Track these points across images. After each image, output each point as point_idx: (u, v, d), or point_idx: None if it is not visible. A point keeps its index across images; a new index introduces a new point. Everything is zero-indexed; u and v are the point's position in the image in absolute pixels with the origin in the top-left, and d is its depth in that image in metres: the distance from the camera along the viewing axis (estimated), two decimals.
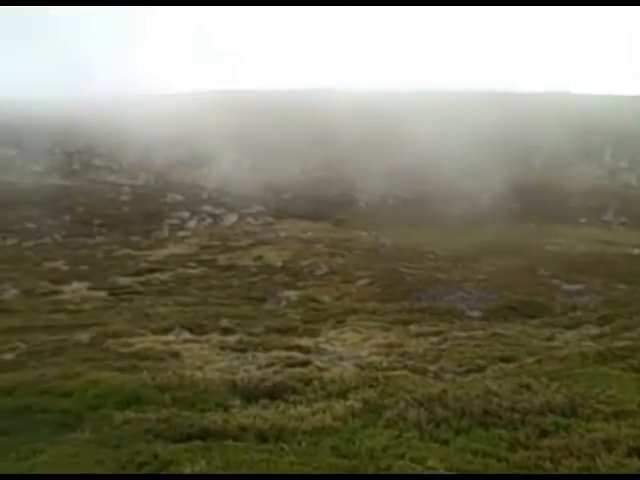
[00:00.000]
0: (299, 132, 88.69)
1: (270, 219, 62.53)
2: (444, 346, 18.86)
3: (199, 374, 14.07)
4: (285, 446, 8.85)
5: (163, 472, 7.72)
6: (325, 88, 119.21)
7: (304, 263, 41.31)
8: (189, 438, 9.29)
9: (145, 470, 7.79)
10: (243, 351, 18.58)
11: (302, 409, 10.85)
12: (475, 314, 26.81)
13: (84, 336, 20.60)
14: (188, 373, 13.97)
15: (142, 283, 37.30)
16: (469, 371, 15.13)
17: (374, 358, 17.27)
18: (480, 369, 15.19)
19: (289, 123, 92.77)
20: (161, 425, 9.57)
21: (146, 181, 79.37)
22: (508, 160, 78.90)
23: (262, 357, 17.20)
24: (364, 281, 35.36)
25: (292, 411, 10.75)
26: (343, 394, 12.03)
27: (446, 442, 9.06)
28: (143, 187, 75.15)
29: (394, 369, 15.14)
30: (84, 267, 42.41)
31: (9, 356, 17.22)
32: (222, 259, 44.33)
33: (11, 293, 35.88)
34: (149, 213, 60.11)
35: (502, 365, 15.37)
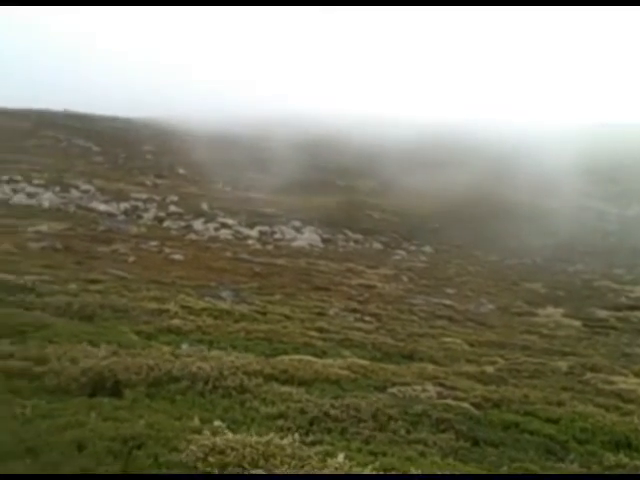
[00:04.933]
0: None
1: None
2: None
3: None
4: None
5: None
6: None
7: None
8: None
9: None
10: None
11: None
12: None
13: (561, 364, 20.24)
14: None
15: (619, 319, 35.48)
16: None
17: None
18: None
19: None
20: None
21: (637, 212, 75.02)
22: None
23: None
24: None
25: None
26: None
27: None
28: (634, 218, 71.27)
29: None
30: (560, 293, 42.10)
31: (489, 369, 17.70)
32: None
33: (487, 307, 37.39)
34: (636, 246, 56.90)
35: None
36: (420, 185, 73.36)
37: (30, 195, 51.73)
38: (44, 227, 41.44)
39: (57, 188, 55.59)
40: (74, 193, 55.61)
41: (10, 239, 35.36)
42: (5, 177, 55.05)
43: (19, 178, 55.80)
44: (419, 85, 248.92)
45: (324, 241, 58.13)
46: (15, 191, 52.35)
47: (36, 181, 56.18)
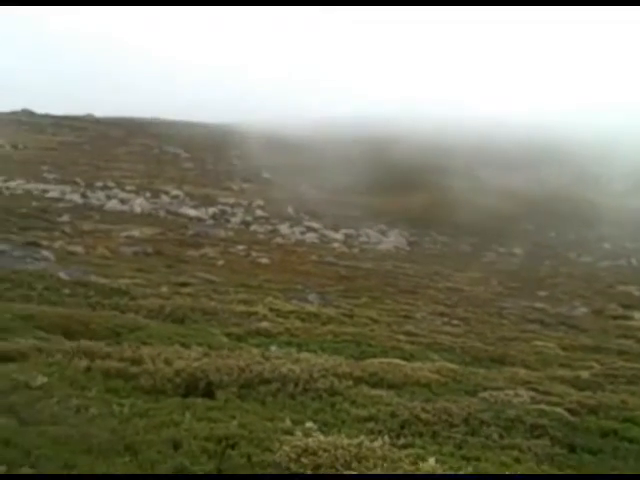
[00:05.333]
0: None
1: None
2: None
3: None
4: None
5: None
6: None
7: None
8: None
9: None
10: None
11: None
12: None
13: None
14: None
15: None
16: None
17: None
18: None
19: None
20: None
21: None
22: None
23: None
24: None
25: None
26: None
27: None
28: None
29: None
30: None
31: (585, 374, 17.15)
32: None
33: (581, 311, 36.32)
34: None
35: None
36: (504, 184, 71.86)
37: (123, 201, 53.47)
38: (136, 232, 42.74)
39: (148, 194, 57.29)
40: (164, 199, 57.17)
41: (104, 244, 36.64)
42: (99, 184, 57.13)
43: (112, 185, 57.80)
44: (499, 81, 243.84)
45: (410, 244, 57.75)
46: (109, 197, 54.23)
47: (128, 187, 58.07)
